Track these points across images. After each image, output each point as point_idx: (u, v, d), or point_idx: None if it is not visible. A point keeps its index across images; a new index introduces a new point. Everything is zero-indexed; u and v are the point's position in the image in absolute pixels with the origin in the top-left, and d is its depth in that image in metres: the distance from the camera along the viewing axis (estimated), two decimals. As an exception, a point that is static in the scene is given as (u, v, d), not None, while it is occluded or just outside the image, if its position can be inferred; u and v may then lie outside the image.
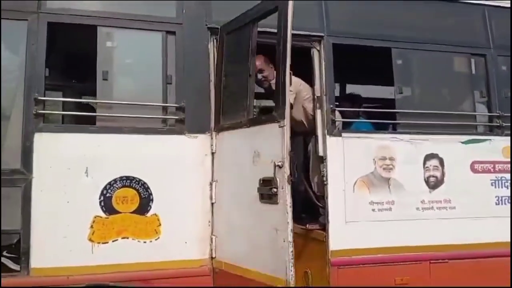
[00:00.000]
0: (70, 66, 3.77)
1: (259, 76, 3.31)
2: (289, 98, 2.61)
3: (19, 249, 2.65)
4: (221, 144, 2.95)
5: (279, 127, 2.53)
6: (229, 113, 2.95)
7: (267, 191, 2.56)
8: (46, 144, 2.71)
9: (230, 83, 3.00)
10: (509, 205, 3.56)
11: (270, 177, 2.55)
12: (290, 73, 2.53)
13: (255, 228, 2.67)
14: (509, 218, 3.50)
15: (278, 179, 2.48)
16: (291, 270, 2.41)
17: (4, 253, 2.74)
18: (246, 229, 2.75)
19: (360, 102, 4.37)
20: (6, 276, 2.61)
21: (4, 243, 2.67)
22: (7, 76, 2.74)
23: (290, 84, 2.58)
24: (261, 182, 2.62)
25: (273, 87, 2.89)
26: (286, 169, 2.44)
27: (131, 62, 3.07)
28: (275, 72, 2.90)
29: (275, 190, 2.50)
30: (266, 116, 2.74)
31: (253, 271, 2.66)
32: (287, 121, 2.49)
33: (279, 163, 2.48)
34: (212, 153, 2.97)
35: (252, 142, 2.72)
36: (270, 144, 2.56)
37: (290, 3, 2.53)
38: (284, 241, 2.47)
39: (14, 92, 2.77)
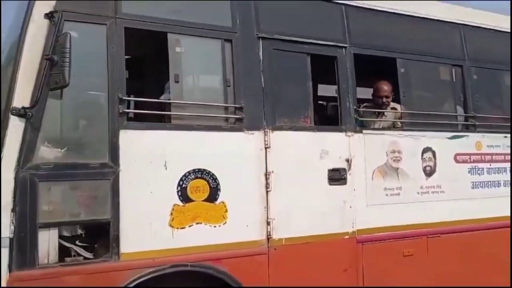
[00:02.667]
0: (145, 69, 3.96)
1: (384, 100, 4.12)
2: None
3: (107, 237, 2.90)
4: (278, 140, 3.40)
5: (346, 135, 3.59)
6: (286, 115, 3.47)
7: (337, 176, 3.48)
8: (130, 140, 2.96)
9: (283, 89, 3.49)
10: (481, 189, 4.40)
11: (338, 167, 3.52)
12: None
13: (324, 204, 3.52)
14: (482, 199, 4.34)
15: (346, 168, 3.25)
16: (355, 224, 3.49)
17: (77, 242, 2.97)
18: (313, 206, 3.48)
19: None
20: (99, 262, 2.86)
21: (94, 231, 2.92)
22: (90, 77, 2.94)
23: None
24: (331, 170, 3.51)
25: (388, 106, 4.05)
26: (353, 163, 3.10)
27: (196, 66, 3.39)
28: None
29: (344, 175, 3.44)
30: (333, 126, 3.69)
31: (321, 235, 3.53)
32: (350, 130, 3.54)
33: (347, 158, 3.22)
34: (266, 148, 3.40)
35: (319, 142, 3.55)
36: (339, 146, 3.54)
37: None
38: (350, 207, 3.62)
39: (97, 92, 2.98)
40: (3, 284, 2.61)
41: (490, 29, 4.68)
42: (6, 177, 2.65)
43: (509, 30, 4.76)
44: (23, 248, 2.67)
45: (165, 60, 3.23)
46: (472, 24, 4.58)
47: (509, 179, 4.56)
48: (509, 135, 4.60)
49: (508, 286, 3.95)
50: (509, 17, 4.82)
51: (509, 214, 4.41)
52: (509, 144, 4.59)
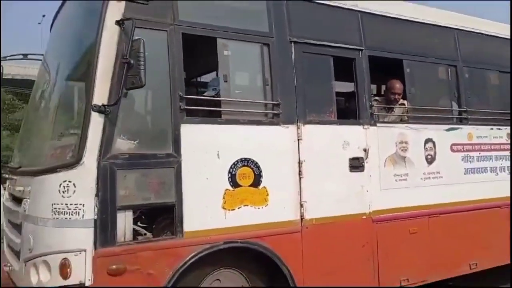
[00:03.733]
0: (199, 70, 4.32)
1: (396, 96, 4.64)
2: None
3: (172, 218, 3.32)
4: (308, 133, 3.87)
5: (363, 128, 4.07)
6: (314, 111, 3.94)
7: (357, 165, 3.96)
8: (189, 133, 3.37)
9: (311, 88, 3.96)
10: (472, 174, 5.01)
11: (357, 156, 3.97)
12: None
13: (346, 188, 4.05)
14: (473, 184, 4.96)
15: (364, 157, 3.91)
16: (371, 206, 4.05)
17: (147, 222, 3.38)
18: (337, 191, 4.00)
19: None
20: (166, 239, 3.28)
21: (161, 213, 3.33)
22: (155, 77, 3.31)
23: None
24: (351, 159, 3.97)
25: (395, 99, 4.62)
26: (369, 153, 3.75)
27: (240, 67, 3.81)
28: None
29: (362, 163, 3.98)
30: (352, 120, 4.14)
31: (344, 215, 4.06)
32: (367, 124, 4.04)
33: (364, 148, 3.86)
34: (298, 140, 3.87)
35: (342, 135, 4.02)
36: (357, 137, 4.06)
37: None
38: (367, 191, 4.13)
39: (160, 91, 3.37)
40: (89, 259, 2.99)
41: (479, 33, 5.29)
42: (90, 166, 3.03)
43: (496, 34, 5.40)
44: (105, 228, 3.06)
45: (211, 61, 3.65)
46: (464, 29, 5.17)
47: (495, 165, 5.20)
48: (495, 127, 5.24)
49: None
50: (495, 23, 5.45)
51: (496, 196, 5.06)
52: (495, 135, 5.22)
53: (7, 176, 4.25)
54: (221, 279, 3.56)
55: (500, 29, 5.58)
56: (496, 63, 5.41)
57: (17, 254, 3.54)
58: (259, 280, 3.72)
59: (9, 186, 4.12)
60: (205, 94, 3.86)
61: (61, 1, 4.19)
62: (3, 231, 4.29)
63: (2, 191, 4.48)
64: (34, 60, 4.96)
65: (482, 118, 5.19)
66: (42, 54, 4.83)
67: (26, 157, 3.99)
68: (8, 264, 3.76)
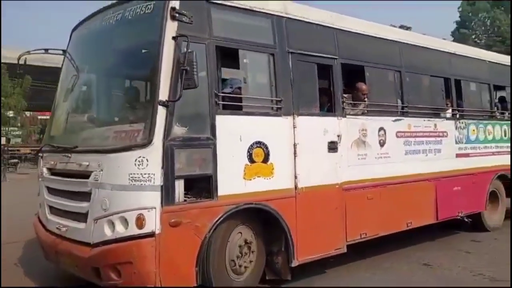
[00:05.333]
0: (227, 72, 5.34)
1: (364, 95, 5.93)
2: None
3: (209, 184, 4.43)
4: (300, 122, 5.12)
5: (337, 119, 5.28)
6: (304, 105, 5.20)
7: (333, 147, 5.19)
8: (222, 122, 4.49)
9: (302, 88, 5.20)
10: (410, 155, 6.55)
11: (333, 140, 5.31)
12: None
13: (325, 165, 5.32)
14: (411, 162, 6.51)
15: (337, 141, 5.19)
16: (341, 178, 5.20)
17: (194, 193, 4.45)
18: (320, 167, 5.28)
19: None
20: (206, 201, 4.40)
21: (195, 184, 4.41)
22: (199, 79, 4.37)
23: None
24: (329, 142, 5.30)
25: (364, 99, 5.84)
26: (341, 138, 5.04)
27: (255, 72, 4.96)
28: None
29: (336, 146, 5.28)
30: (330, 113, 5.39)
31: (324, 185, 5.37)
32: (340, 116, 5.25)
33: (338, 134, 5.08)
34: (294, 127, 5.11)
35: (323, 124, 5.32)
36: (333, 126, 5.34)
37: None
38: (339, 167, 5.43)
39: (201, 89, 4.43)
40: (158, 214, 4.06)
41: (417, 45, 6.84)
42: (158, 146, 4.08)
43: (429, 46, 6.98)
44: (168, 192, 4.13)
45: (231, 65, 4.78)
46: (406, 42, 6.67)
47: (425, 148, 6.78)
48: (426, 119, 6.82)
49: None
50: (430, 37, 7.03)
51: (425, 172, 6.65)
52: (426, 125, 6.80)
53: (47, 153, 5.14)
54: (242, 232, 4.77)
55: (432, 42, 7.18)
56: (429, 69, 6.99)
57: (78, 216, 4.49)
58: (260, 233, 4.94)
59: (53, 162, 5.02)
60: (225, 91, 4.97)
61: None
62: (43, 204, 5.15)
63: (40, 167, 5.35)
64: (54, 54, 5.71)
65: (417, 112, 6.76)
66: (64, 50, 5.68)
67: (82, 139, 4.87)
68: (61, 227, 4.69)
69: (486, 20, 61.21)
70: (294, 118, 5.11)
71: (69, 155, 4.73)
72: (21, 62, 5.57)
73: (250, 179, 4.72)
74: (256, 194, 4.76)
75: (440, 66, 7.29)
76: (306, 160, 5.19)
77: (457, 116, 7.52)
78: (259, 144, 4.79)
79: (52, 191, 5.08)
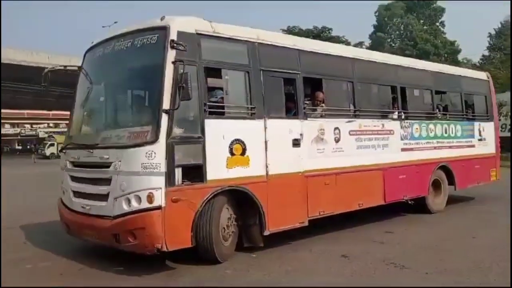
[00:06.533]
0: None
1: (320, 102, 7.37)
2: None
3: (201, 171, 5.89)
4: (270, 124, 6.61)
5: (300, 121, 6.70)
6: (273, 111, 6.69)
7: (296, 143, 6.62)
8: (209, 125, 5.95)
9: (272, 97, 6.70)
10: (361, 149, 8.11)
11: (297, 138, 6.71)
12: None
13: (290, 157, 6.76)
14: (362, 155, 8.07)
15: (300, 139, 6.60)
16: (303, 167, 6.56)
17: (189, 177, 5.93)
18: (286, 158, 6.72)
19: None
20: (197, 183, 5.85)
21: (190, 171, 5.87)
22: (192, 93, 5.80)
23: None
24: (293, 139, 6.70)
25: (320, 105, 7.17)
26: (303, 136, 6.51)
27: (234, 86, 6.45)
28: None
29: (299, 142, 6.70)
30: (294, 116, 6.78)
31: (289, 173, 6.84)
32: (302, 119, 6.55)
33: (300, 133, 6.52)
34: (265, 128, 6.60)
35: (288, 125, 6.77)
36: (296, 127, 6.77)
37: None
38: (302, 159, 6.83)
39: (194, 100, 5.85)
40: (163, 193, 5.51)
41: (367, 60, 8.42)
42: (163, 143, 5.53)
43: (375, 60, 8.60)
44: (170, 176, 5.58)
45: (215, 81, 6.26)
46: (357, 58, 8.25)
47: (374, 144, 8.34)
48: (375, 120, 8.39)
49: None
50: (377, 52, 8.62)
51: (374, 163, 8.22)
52: (374, 125, 8.37)
53: (69, 150, 6.57)
54: (228, 209, 6.26)
55: (380, 57, 8.80)
56: (378, 79, 8.59)
57: (100, 197, 5.92)
58: (239, 210, 6.42)
59: (76, 156, 6.44)
60: (211, 100, 6.43)
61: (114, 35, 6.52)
62: (67, 190, 6.56)
63: (62, 161, 6.77)
64: (71, 71, 7.14)
65: (367, 114, 8.32)
66: (79, 66, 7.10)
67: (101, 138, 6.28)
68: (85, 206, 6.12)
69: (400, 25, 65.13)
70: (265, 121, 6.61)
71: (92, 150, 6.16)
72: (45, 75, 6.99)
73: (231, 168, 6.20)
74: (236, 179, 6.25)
75: (387, 77, 8.90)
76: (275, 153, 6.68)
77: (403, 117, 9.10)
78: (238, 141, 6.27)
79: (75, 179, 6.50)
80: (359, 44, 49.45)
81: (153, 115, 5.72)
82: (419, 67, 9.98)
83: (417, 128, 9.39)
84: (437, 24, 65.13)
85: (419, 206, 9.74)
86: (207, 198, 5.91)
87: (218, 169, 6.06)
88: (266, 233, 6.53)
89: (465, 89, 11.07)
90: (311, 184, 7.19)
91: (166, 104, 5.59)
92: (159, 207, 5.51)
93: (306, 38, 7.65)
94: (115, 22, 37.96)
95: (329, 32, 45.36)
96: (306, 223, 7.11)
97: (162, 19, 5.94)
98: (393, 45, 62.37)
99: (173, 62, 5.68)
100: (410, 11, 64.42)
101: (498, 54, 46.93)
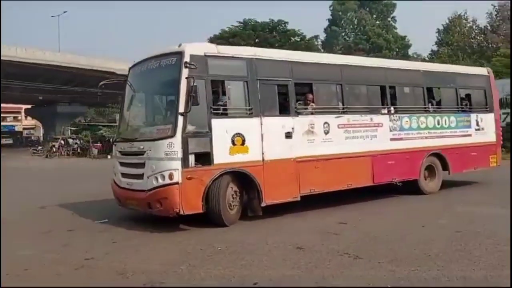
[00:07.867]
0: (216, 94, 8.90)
1: (310, 102, 9.23)
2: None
3: (209, 157, 7.98)
4: (266, 121, 8.59)
5: (292, 118, 8.68)
6: (268, 110, 8.67)
7: (289, 135, 8.62)
8: (215, 123, 8.02)
9: (267, 100, 8.68)
10: (349, 140, 9.89)
11: (289, 131, 8.72)
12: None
13: (283, 146, 8.70)
14: (349, 144, 9.85)
15: (292, 132, 8.57)
16: (295, 154, 8.49)
17: (200, 162, 8.06)
18: (279, 147, 8.67)
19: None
20: (206, 166, 7.96)
21: (200, 157, 7.98)
22: (201, 99, 7.89)
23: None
24: (286, 133, 8.70)
25: (310, 104, 9.03)
26: (294, 130, 8.46)
27: (235, 93, 8.50)
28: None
29: (291, 134, 8.66)
30: (286, 114, 8.75)
31: (283, 159, 8.76)
32: (293, 116, 8.51)
33: (292, 127, 8.50)
34: (261, 124, 8.58)
35: (282, 121, 8.70)
36: (289, 122, 8.71)
37: None
38: (293, 148, 8.76)
39: (203, 105, 7.95)
40: (180, 173, 7.67)
41: (354, 65, 10.20)
42: (179, 137, 7.67)
43: (361, 64, 10.35)
44: (185, 161, 7.72)
45: (222, 90, 8.34)
46: (345, 64, 10.05)
47: (362, 135, 10.09)
48: (363, 115, 10.13)
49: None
50: (364, 58, 10.35)
51: (361, 150, 9.97)
52: (362, 119, 10.11)
53: (118, 143, 8.92)
54: (233, 187, 8.31)
55: (368, 61, 10.54)
56: (366, 80, 10.35)
57: (138, 176, 8.17)
58: (241, 187, 8.43)
59: (123, 147, 8.76)
60: (217, 104, 8.47)
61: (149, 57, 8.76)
62: (117, 172, 8.90)
63: (115, 151, 9.14)
64: (121, 82, 9.49)
65: (354, 111, 10.08)
66: (125, 79, 9.42)
67: (139, 133, 8.58)
68: (129, 183, 8.41)
69: (354, 19, 64.67)
70: (261, 118, 8.58)
71: (132, 143, 8.44)
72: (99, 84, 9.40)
73: (233, 155, 8.25)
74: (237, 163, 8.28)
75: (376, 78, 10.60)
76: (269, 144, 8.63)
77: (392, 112, 10.74)
78: (239, 134, 8.30)
79: (122, 164, 8.82)
80: (314, 38, 50.12)
81: (172, 116, 7.88)
82: (413, 67, 11.59)
83: (407, 121, 10.96)
84: (389, 19, 65.98)
85: (413, 188, 11.28)
86: (214, 177, 7.98)
87: (223, 155, 8.11)
88: (263, 204, 8.53)
89: (461, 84, 12.44)
90: (302, 168, 9.08)
91: (181, 108, 7.72)
92: (177, 183, 7.66)
93: (298, 51, 9.36)
94: (65, 12, 45.76)
95: (285, 26, 45.29)
96: (299, 198, 9.02)
97: (179, 45, 8.08)
98: (347, 39, 63.22)
99: (186, 78, 7.79)
100: (363, 6, 65.29)
101: (446, 49, 47.41)
